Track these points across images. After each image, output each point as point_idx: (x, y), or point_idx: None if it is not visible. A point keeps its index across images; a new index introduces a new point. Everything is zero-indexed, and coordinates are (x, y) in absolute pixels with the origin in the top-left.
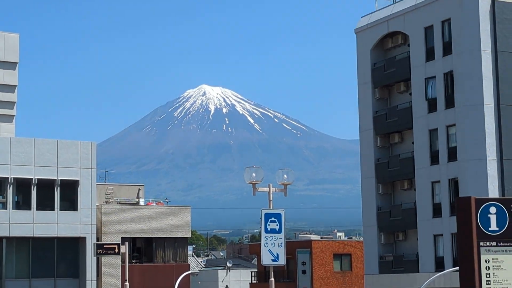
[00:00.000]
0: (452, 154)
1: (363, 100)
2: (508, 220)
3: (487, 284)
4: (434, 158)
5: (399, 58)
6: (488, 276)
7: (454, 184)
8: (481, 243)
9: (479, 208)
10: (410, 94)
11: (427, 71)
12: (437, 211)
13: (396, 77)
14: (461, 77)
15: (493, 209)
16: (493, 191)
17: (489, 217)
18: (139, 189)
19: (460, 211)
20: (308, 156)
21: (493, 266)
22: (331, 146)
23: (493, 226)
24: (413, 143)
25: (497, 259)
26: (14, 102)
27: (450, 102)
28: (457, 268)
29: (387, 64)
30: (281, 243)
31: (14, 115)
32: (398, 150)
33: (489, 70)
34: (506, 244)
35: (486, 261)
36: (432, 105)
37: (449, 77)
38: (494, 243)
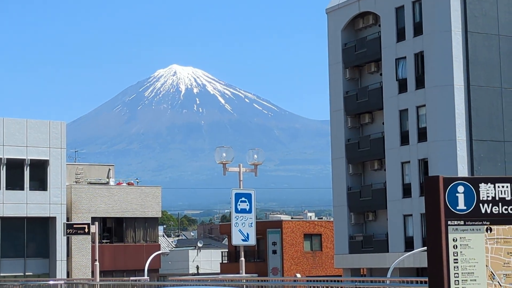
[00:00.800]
0: (422, 135)
1: (334, 81)
2: (476, 199)
3: (454, 262)
4: (404, 139)
5: (370, 39)
6: (455, 254)
7: (423, 164)
8: (449, 222)
9: (447, 187)
10: (381, 74)
11: (398, 51)
12: (406, 191)
13: (367, 57)
14: (432, 57)
15: (461, 188)
16: (462, 172)
17: (457, 196)
18: (109, 169)
19: (428, 190)
20: (279, 136)
21: (460, 245)
22: (302, 126)
23: (461, 205)
24: (383, 123)
25: (464, 237)
26: None
27: (420, 82)
28: (426, 248)
29: (358, 44)
30: (251, 223)
31: None
32: (368, 131)
33: (459, 51)
34: (473, 223)
35: (453, 240)
36: (402, 86)
37: (419, 58)
38: (462, 222)
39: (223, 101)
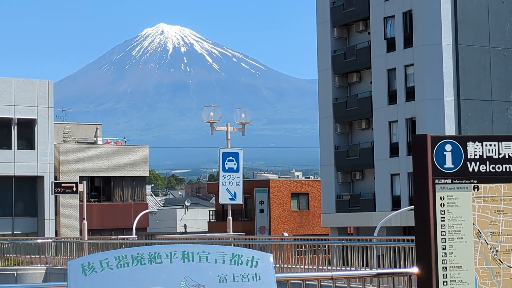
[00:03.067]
0: (410, 94)
1: (322, 40)
2: (463, 157)
3: (441, 220)
4: (392, 98)
5: None
6: (442, 213)
7: (411, 123)
8: (436, 181)
9: (435, 146)
10: (369, 33)
11: (386, 10)
12: (394, 150)
13: (355, 16)
14: (420, 16)
15: (448, 147)
16: (450, 131)
17: (445, 155)
18: (97, 128)
19: (416, 149)
20: (267, 95)
21: (447, 203)
22: (290, 85)
23: (449, 163)
24: (371, 82)
25: (452, 196)
26: None
27: (408, 41)
28: (413, 206)
29: (346, 2)
30: (238, 182)
31: None
32: (356, 90)
33: (447, 9)
34: (461, 181)
35: (441, 198)
36: (390, 45)
37: (408, 16)
38: (449, 181)
39: (210, 60)
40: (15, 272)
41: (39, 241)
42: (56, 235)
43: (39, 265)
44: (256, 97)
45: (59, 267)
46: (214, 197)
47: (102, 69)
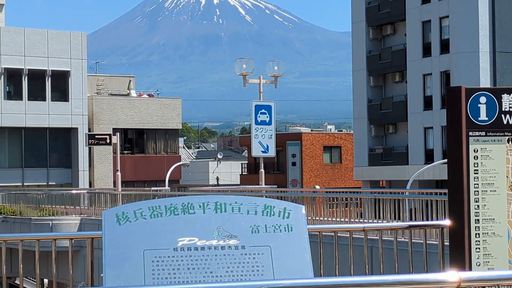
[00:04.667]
0: (445, 46)
1: None
2: (498, 110)
3: (475, 173)
4: (427, 50)
5: None
6: (476, 165)
7: (446, 76)
8: (470, 133)
9: (469, 98)
10: None
11: None
12: (428, 103)
13: None
14: None
15: (483, 99)
16: (485, 84)
17: (479, 107)
18: (130, 81)
19: (450, 101)
20: (299, 48)
21: (481, 155)
22: (323, 38)
23: (483, 116)
24: (405, 35)
25: (485, 148)
26: None
27: None
28: (446, 160)
29: None
30: (271, 135)
31: (3, 4)
32: (390, 42)
33: None
34: (495, 134)
35: (474, 151)
36: None
37: None
38: (483, 133)
39: (243, 12)
40: (50, 222)
41: (74, 192)
42: (90, 186)
43: (73, 215)
44: (289, 50)
45: (93, 218)
46: (246, 150)
47: (134, 21)
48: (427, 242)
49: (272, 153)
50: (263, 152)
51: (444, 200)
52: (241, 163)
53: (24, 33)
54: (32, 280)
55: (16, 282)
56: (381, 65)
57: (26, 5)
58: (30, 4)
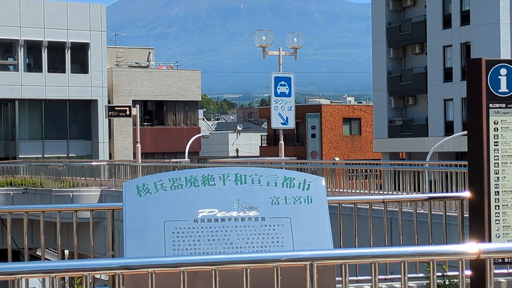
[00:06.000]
0: (465, 18)
1: None
2: None
3: (495, 145)
4: (447, 22)
5: None
6: (496, 137)
7: (466, 48)
8: (490, 105)
9: (490, 70)
10: None
11: None
12: (448, 75)
13: None
14: None
15: (503, 71)
16: (506, 56)
17: (499, 79)
18: (149, 53)
19: (470, 73)
20: (319, 20)
21: (501, 127)
22: (342, 9)
23: (503, 87)
24: (425, 6)
25: (505, 120)
26: None
27: None
28: (466, 132)
29: None
30: (290, 107)
31: None
32: (410, 14)
33: None
34: None
35: (494, 123)
36: None
37: None
38: (504, 105)
39: None
40: (71, 194)
41: (94, 163)
42: (110, 158)
43: (94, 187)
44: (308, 22)
45: (113, 189)
46: (266, 122)
47: None
48: (447, 214)
49: (291, 124)
50: (282, 124)
51: (464, 172)
52: (261, 135)
53: (43, 5)
54: (53, 251)
55: (37, 253)
56: (401, 36)
57: None
58: None
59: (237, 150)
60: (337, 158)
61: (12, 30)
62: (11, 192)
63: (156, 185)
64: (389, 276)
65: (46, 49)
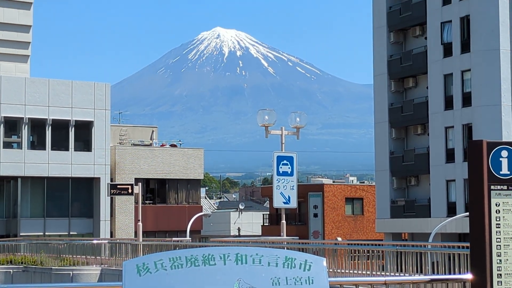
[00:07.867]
0: (467, 100)
1: (378, 44)
2: None
3: (497, 227)
4: (448, 103)
5: (415, 2)
6: (498, 219)
7: (467, 129)
8: (492, 187)
9: (491, 152)
10: (426, 38)
11: (444, 15)
12: (450, 156)
13: (411, 20)
14: (478, 21)
15: (504, 153)
16: (507, 137)
17: (501, 161)
18: (153, 131)
19: (472, 154)
20: (322, 100)
21: (503, 209)
22: (345, 90)
23: (504, 169)
24: (427, 87)
25: (507, 202)
26: (29, 43)
27: (466, 47)
28: (468, 213)
29: (402, 7)
30: (293, 186)
31: (29, 56)
32: (412, 95)
33: (506, 14)
34: None
35: (496, 205)
36: (447, 50)
37: (465, 22)
38: (505, 187)
39: (266, 64)
40: (71, 272)
41: (95, 242)
42: (111, 236)
43: (94, 265)
44: (311, 101)
45: (113, 268)
46: (268, 201)
47: (158, 72)
48: None
49: (293, 204)
50: (284, 203)
51: (467, 254)
52: (263, 214)
53: (48, 83)
54: None
55: None
56: (403, 117)
57: (51, 56)
58: (55, 56)
59: (238, 229)
60: (339, 238)
61: (17, 108)
62: (11, 270)
63: (156, 264)
64: None
65: (50, 127)
